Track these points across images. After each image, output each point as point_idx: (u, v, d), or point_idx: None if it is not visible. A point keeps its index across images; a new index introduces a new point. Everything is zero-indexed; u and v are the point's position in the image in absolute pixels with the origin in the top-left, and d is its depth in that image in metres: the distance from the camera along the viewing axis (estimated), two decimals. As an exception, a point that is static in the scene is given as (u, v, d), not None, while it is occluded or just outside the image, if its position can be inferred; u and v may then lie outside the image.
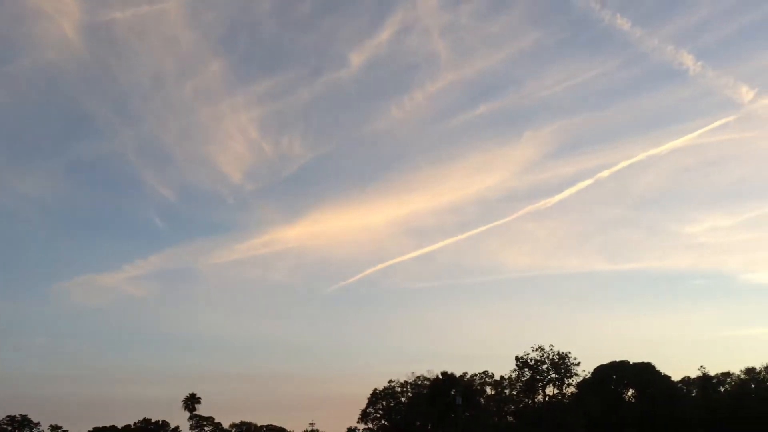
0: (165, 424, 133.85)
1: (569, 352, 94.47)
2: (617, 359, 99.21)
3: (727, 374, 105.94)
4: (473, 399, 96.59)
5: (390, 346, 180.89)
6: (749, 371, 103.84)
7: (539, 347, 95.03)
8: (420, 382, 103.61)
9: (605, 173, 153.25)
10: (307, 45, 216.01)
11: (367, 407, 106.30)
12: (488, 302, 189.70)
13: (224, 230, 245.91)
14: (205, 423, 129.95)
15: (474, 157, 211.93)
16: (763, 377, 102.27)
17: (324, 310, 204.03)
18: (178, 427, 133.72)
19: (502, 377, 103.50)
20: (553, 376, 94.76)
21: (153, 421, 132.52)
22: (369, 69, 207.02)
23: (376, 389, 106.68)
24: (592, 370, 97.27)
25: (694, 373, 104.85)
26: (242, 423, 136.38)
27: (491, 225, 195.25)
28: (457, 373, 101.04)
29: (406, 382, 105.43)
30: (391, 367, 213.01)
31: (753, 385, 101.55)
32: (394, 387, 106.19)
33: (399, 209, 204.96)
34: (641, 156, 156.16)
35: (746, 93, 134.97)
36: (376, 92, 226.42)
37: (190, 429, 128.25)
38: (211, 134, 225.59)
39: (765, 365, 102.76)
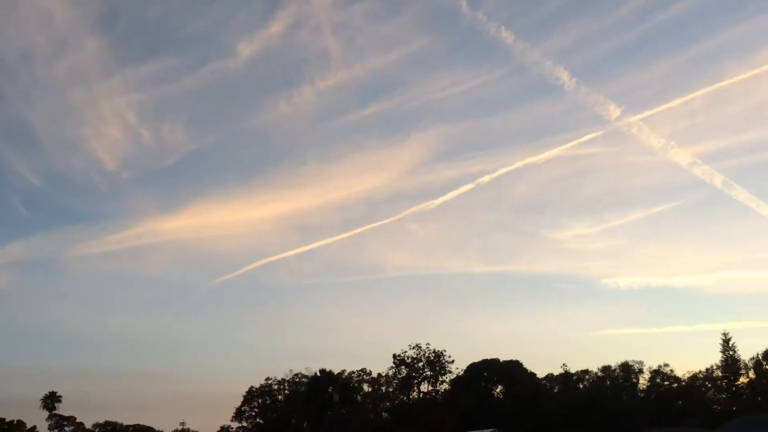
0: (20, 424, 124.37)
1: (444, 351, 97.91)
2: (489, 357, 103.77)
3: (586, 371, 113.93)
4: (350, 396, 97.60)
5: (270, 344, 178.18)
6: (605, 369, 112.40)
7: (416, 345, 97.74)
8: (298, 380, 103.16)
9: (486, 178, 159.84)
10: (194, 31, 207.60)
11: (242, 405, 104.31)
12: (370, 301, 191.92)
13: (95, 220, 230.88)
14: (65, 423, 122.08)
15: (361, 156, 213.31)
16: (617, 375, 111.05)
17: (201, 305, 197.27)
18: (35, 427, 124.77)
19: (379, 374, 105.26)
20: (428, 373, 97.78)
21: (7, 420, 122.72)
22: (258, 61, 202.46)
23: (252, 387, 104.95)
24: (465, 368, 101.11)
25: (557, 371, 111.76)
26: (107, 423, 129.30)
27: (376, 224, 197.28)
28: (336, 371, 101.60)
29: (283, 379, 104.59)
30: (271, 365, 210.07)
31: (608, 382, 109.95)
32: (271, 385, 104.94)
33: (284, 205, 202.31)
34: (519, 164, 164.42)
35: (614, 110, 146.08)
36: (264, 85, 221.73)
37: (49, 429, 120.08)
38: (84, 117, 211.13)
39: (619, 363, 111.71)
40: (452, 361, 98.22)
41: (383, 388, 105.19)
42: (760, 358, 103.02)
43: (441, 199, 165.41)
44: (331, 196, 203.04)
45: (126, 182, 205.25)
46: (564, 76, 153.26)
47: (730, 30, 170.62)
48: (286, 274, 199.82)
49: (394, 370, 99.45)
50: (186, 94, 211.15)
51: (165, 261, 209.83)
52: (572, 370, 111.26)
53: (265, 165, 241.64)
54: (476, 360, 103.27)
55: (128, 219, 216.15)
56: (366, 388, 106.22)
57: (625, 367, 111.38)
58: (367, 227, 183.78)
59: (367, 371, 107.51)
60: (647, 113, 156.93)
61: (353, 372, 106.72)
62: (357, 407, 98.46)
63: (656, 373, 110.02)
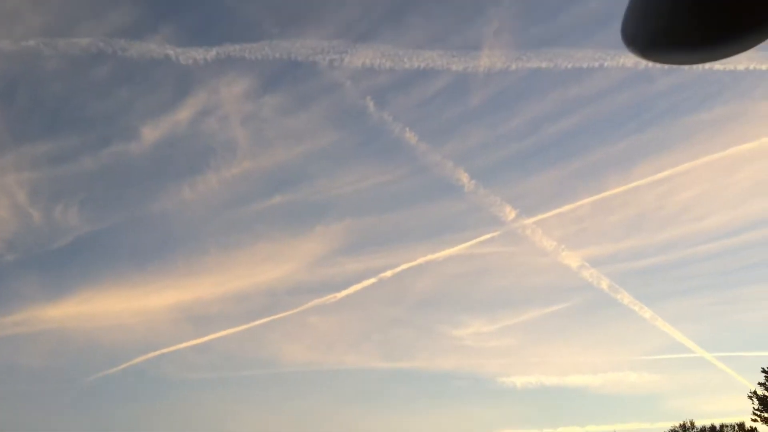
0: None
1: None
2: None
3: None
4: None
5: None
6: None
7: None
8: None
9: (388, 273, 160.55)
10: (97, 112, 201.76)
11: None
12: (265, 396, 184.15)
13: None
14: None
15: (265, 247, 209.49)
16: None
17: (80, 401, 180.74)
18: None
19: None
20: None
21: None
22: (163, 146, 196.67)
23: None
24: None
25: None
26: None
27: (276, 316, 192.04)
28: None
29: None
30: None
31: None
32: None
33: (181, 294, 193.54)
34: (420, 260, 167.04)
35: (509, 212, 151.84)
36: (168, 171, 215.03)
37: None
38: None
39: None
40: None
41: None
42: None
43: (343, 293, 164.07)
44: (231, 286, 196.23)
45: (9, 265, 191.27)
46: (464, 177, 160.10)
47: (612, 145, 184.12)
48: (178, 367, 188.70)
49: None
50: (84, 174, 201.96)
51: (45, 351, 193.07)
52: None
53: (164, 252, 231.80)
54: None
55: (8, 305, 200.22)
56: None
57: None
58: (266, 319, 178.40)
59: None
60: (540, 217, 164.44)
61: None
62: None
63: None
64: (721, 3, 1.03)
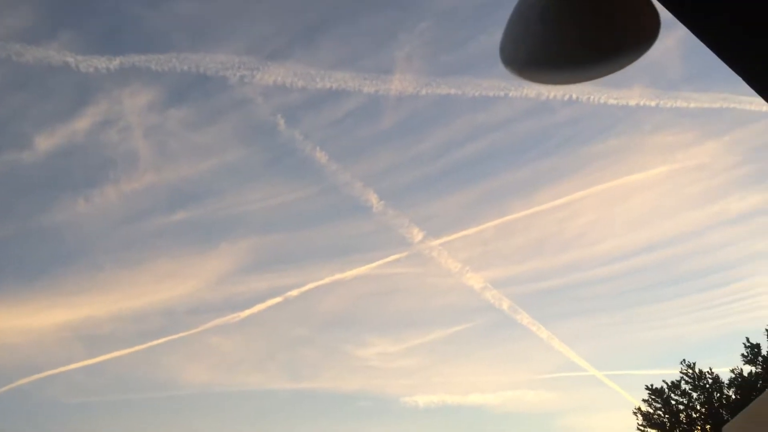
0: None
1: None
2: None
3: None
4: None
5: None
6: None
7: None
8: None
9: (294, 292, 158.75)
10: None
11: None
12: (162, 419, 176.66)
13: None
14: None
15: (165, 264, 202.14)
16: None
17: None
18: None
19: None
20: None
21: None
22: (58, 156, 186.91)
23: None
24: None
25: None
26: None
27: (175, 336, 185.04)
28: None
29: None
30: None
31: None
32: None
33: (72, 312, 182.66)
34: (327, 279, 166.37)
35: (417, 234, 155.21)
36: (62, 182, 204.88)
37: None
38: None
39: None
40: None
41: None
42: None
43: (247, 312, 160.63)
44: (126, 305, 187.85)
45: None
46: (373, 198, 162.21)
47: (515, 172, 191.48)
48: (67, 389, 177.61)
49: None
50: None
51: None
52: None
53: (54, 267, 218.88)
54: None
55: None
56: None
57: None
58: (164, 339, 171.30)
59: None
60: (446, 239, 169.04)
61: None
62: None
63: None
64: (591, 23, 1.07)
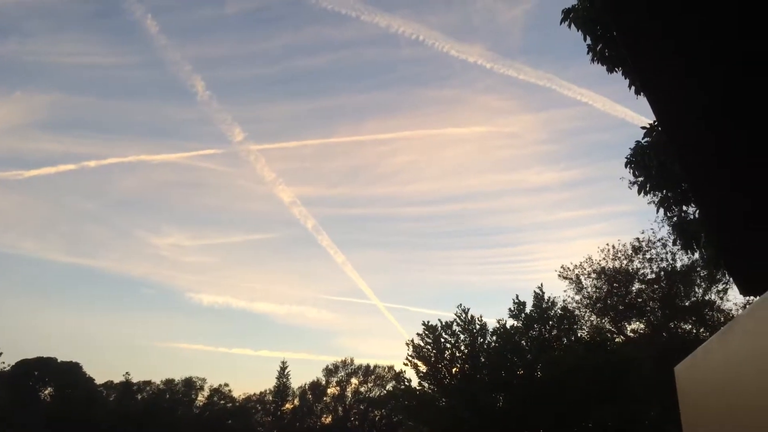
0: None
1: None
2: (47, 355, 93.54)
3: (148, 383, 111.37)
4: None
5: None
6: (168, 382, 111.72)
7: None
8: None
9: (92, 163, 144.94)
10: None
11: None
12: None
13: None
14: None
15: None
16: (179, 389, 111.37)
17: None
18: None
19: None
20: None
21: None
22: None
23: None
24: (13, 364, 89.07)
25: (119, 379, 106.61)
26: None
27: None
28: None
29: None
30: None
31: (168, 395, 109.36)
32: None
33: None
34: (132, 158, 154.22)
35: (238, 134, 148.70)
36: None
37: None
38: None
39: (183, 378, 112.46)
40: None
41: None
42: (306, 387, 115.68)
43: (34, 172, 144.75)
44: None
45: None
46: (200, 85, 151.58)
47: (352, 96, 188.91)
48: None
49: None
50: None
51: None
52: (135, 380, 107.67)
53: None
54: (30, 357, 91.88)
55: None
56: None
57: (188, 382, 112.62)
58: None
59: None
60: (267, 146, 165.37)
61: None
62: None
63: (215, 391, 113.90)
64: None
